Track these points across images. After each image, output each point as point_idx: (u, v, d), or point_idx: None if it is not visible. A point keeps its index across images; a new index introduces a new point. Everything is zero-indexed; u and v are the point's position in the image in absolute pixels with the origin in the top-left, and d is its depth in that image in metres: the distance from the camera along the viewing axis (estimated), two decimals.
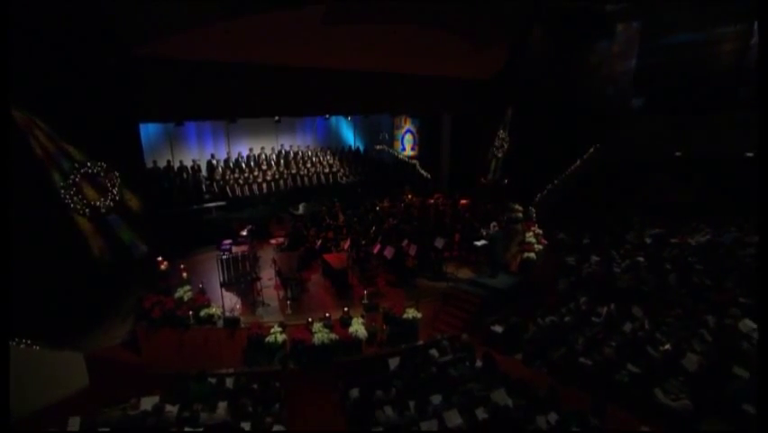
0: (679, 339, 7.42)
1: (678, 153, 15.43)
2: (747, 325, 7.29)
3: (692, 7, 15.14)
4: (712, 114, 14.62)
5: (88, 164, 9.20)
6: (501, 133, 17.82)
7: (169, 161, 14.92)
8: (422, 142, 20.63)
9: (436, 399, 6.52)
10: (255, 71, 11.70)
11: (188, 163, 15.20)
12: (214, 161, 15.76)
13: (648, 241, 12.75)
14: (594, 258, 11.84)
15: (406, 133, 21.22)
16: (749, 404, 5.57)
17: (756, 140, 13.04)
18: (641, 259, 11.23)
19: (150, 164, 13.75)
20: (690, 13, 15.36)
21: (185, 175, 14.88)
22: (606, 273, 10.89)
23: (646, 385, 6.54)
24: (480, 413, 6.04)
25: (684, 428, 5.84)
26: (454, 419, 5.94)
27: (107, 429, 5.82)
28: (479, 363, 7.76)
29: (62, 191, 8.82)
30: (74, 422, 5.87)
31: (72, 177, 8.95)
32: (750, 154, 13.53)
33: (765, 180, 4.38)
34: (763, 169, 4.42)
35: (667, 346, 7.31)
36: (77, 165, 9.02)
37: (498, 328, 9.38)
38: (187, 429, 5.89)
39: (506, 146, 17.83)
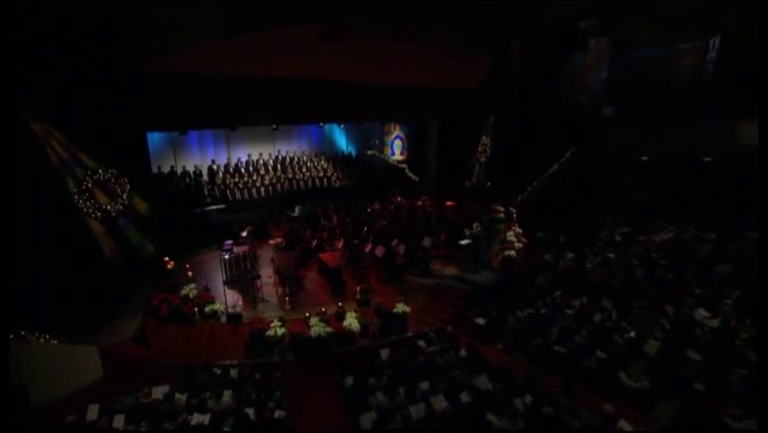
0: (642, 327, 7.73)
1: (645, 158, 15.71)
2: (701, 313, 7.64)
3: (656, 25, 15.49)
4: (675, 121, 14.91)
5: (100, 171, 9.25)
6: (484, 139, 17.95)
7: (172, 167, 14.89)
8: (410, 147, 20.60)
9: (424, 385, 6.69)
10: (254, 83, 11.73)
11: (191, 169, 15.22)
12: (215, 167, 15.75)
13: (618, 239, 12.97)
14: (569, 255, 12.06)
15: (395, 138, 21.13)
16: (699, 383, 5.95)
17: (715, 145, 13.45)
18: (611, 255, 11.46)
19: (154, 170, 13.73)
20: (655, 29, 15.75)
21: (187, 180, 14.89)
22: (579, 269, 11.10)
23: (612, 369, 6.82)
24: (464, 397, 6.25)
25: (642, 406, 6.17)
26: (440, 402, 6.12)
27: (123, 415, 5.95)
28: (463, 353, 7.95)
29: (76, 196, 8.86)
30: (92, 409, 6.01)
31: (85, 183, 8.99)
32: (708, 159, 14.00)
33: (765, 180, 4.24)
34: (764, 169, 4.30)
35: (632, 334, 7.61)
36: (89, 172, 9.06)
37: (481, 320, 9.54)
38: (195, 415, 6.03)
39: (488, 151, 17.96)
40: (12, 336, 6.65)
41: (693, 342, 6.95)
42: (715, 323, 7.33)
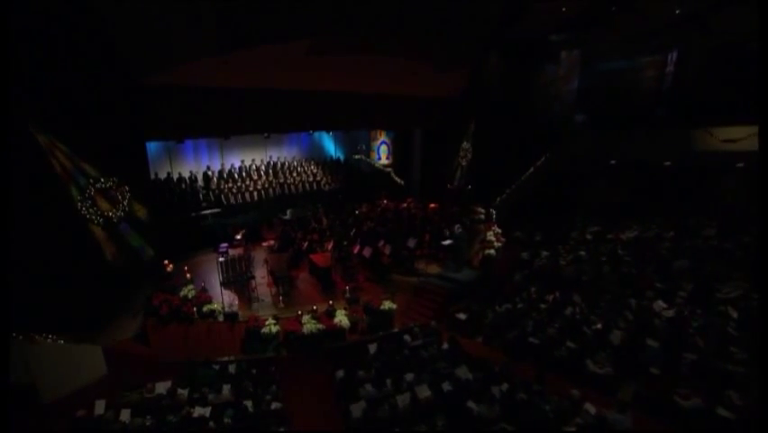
0: (608, 319, 8.06)
1: (613, 162, 16.09)
2: (659, 305, 8.03)
3: (620, 40, 16.00)
4: (638, 128, 15.34)
5: (102, 180, 9.31)
6: (465, 145, 18.12)
7: (168, 173, 14.85)
8: (395, 152, 20.75)
9: (409, 376, 6.91)
10: (248, 94, 11.82)
11: (186, 175, 15.18)
12: (210, 173, 15.73)
13: (589, 237, 13.27)
14: (544, 253, 12.27)
15: (381, 144, 21.27)
16: (656, 368, 6.33)
17: (673, 151, 13.96)
18: (582, 253, 11.74)
19: (152, 176, 13.68)
20: (619, 44, 16.26)
21: (183, 185, 14.84)
22: (553, 266, 11.36)
23: (580, 358, 7.13)
24: (446, 386, 6.48)
25: (606, 390, 6.52)
26: (424, 392, 6.36)
27: (129, 410, 6.07)
28: (445, 346, 8.15)
29: (79, 204, 8.91)
30: (99, 404, 6.11)
31: (88, 191, 9.05)
32: (668, 163, 14.52)
33: (765, 181, 4.06)
34: (763, 170, 4.12)
35: (598, 325, 7.91)
36: (92, 181, 9.12)
37: (462, 315, 9.74)
38: (197, 408, 6.18)
39: (469, 156, 18.12)
40: (21, 336, 6.74)
41: (652, 331, 7.33)
42: (671, 313, 7.74)
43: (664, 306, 7.98)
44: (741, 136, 12.58)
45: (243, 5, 8.73)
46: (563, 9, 12.73)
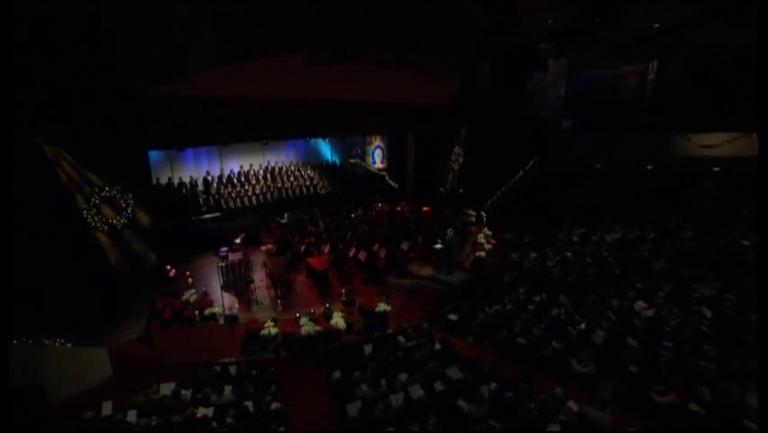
0: (591, 319, 8.24)
1: (598, 165, 16.36)
2: (639, 305, 8.23)
3: (604, 49, 16.29)
4: (622, 133, 15.66)
5: (106, 188, 9.38)
6: (457, 149, 18.29)
7: (169, 178, 14.91)
8: (390, 156, 20.84)
9: (403, 376, 7.01)
10: (246, 103, 11.85)
11: (186, 180, 15.24)
12: (209, 178, 15.79)
13: (575, 239, 13.45)
14: (533, 254, 12.39)
15: (376, 148, 21.35)
16: (634, 365, 6.54)
17: (655, 155, 14.30)
18: (569, 254, 11.89)
19: (153, 181, 13.73)
20: (603, 53, 16.55)
21: (184, 190, 14.91)
22: (541, 267, 11.50)
23: (565, 357, 7.32)
24: (438, 386, 6.61)
25: (589, 387, 6.72)
26: (417, 391, 6.49)
27: (135, 411, 6.15)
28: (437, 346, 8.22)
29: (84, 212, 8.99)
30: (106, 405, 6.21)
31: (93, 199, 9.13)
32: (649, 167, 14.82)
33: (765, 182, 4.05)
34: (763, 171, 4.10)
35: (582, 326, 8.10)
36: (96, 189, 9.20)
37: (454, 316, 9.86)
38: (200, 408, 6.27)
39: (461, 160, 18.31)
40: (30, 340, 6.83)
41: (632, 330, 7.53)
42: (650, 313, 7.95)
43: (644, 306, 8.19)
44: (717, 142, 12.94)
45: (242, 20, 8.85)
46: (549, 21, 12.97)
